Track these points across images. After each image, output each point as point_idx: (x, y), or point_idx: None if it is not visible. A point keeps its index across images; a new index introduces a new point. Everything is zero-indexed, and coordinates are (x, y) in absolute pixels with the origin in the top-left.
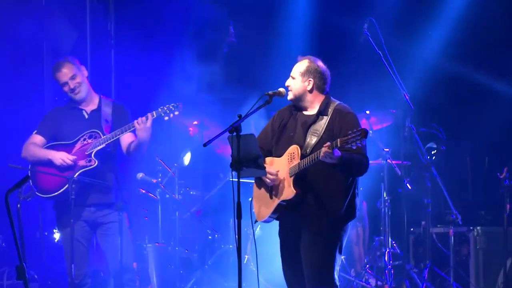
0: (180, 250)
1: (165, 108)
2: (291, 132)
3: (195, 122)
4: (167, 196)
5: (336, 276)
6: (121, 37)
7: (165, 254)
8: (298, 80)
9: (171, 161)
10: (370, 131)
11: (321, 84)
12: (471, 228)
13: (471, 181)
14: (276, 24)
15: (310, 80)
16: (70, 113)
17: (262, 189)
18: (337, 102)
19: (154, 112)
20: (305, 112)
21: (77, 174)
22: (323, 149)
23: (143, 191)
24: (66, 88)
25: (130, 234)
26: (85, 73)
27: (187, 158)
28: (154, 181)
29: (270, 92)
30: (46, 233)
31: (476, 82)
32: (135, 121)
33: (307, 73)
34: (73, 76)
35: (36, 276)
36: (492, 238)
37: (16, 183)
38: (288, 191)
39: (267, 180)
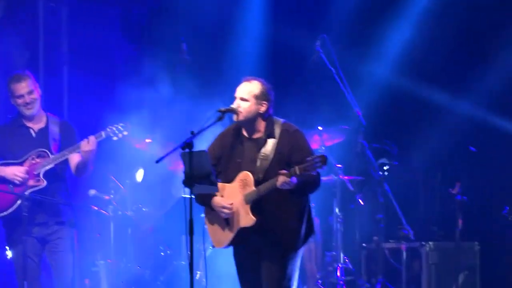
0: (132, 266)
1: (114, 128)
2: (238, 158)
3: (148, 140)
4: (120, 212)
5: None
6: (75, 54)
7: (117, 270)
8: (251, 102)
9: (124, 177)
10: (323, 147)
11: (270, 108)
12: (423, 243)
13: (423, 196)
14: (228, 42)
15: (264, 104)
16: (17, 131)
17: (216, 217)
18: (280, 120)
19: (102, 133)
20: (249, 136)
21: (28, 191)
22: (281, 178)
23: (95, 208)
24: (20, 101)
25: (77, 252)
26: (39, 91)
27: (139, 175)
28: (107, 197)
29: (222, 109)
30: None
31: (428, 98)
32: (81, 142)
33: (261, 96)
34: (30, 91)
35: None
36: (445, 253)
37: None
38: (248, 219)
39: (222, 214)
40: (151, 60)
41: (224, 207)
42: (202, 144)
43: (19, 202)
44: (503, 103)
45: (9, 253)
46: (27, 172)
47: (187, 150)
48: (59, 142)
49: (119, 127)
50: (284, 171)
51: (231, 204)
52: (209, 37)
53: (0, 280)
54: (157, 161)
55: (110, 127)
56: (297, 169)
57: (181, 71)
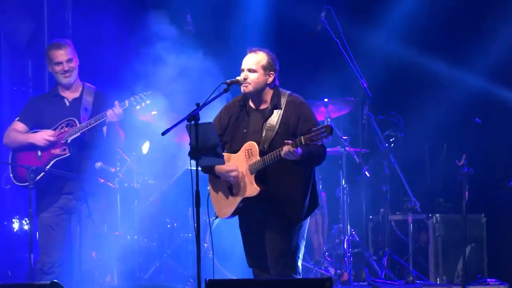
0: (139, 239)
1: (137, 97)
2: (244, 129)
3: (154, 112)
4: (126, 185)
5: (299, 264)
6: (79, 27)
7: (124, 243)
8: (259, 73)
9: (130, 150)
10: (328, 119)
11: (276, 78)
12: (430, 215)
13: (429, 168)
14: (233, 13)
15: (271, 74)
16: (52, 100)
17: (220, 186)
18: (287, 92)
19: (126, 101)
20: (256, 107)
21: (51, 164)
22: (286, 148)
23: (102, 180)
24: (58, 68)
25: (91, 223)
26: (78, 60)
27: (145, 147)
28: (113, 170)
29: (228, 81)
30: (5, 223)
31: (433, 69)
32: (106, 111)
33: (268, 66)
34: (69, 59)
35: None
36: (451, 225)
37: None
38: (252, 189)
39: (230, 178)
40: (155, 32)
41: (229, 171)
42: (208, 116)
43: (42, 173)
44: (508, 75)
45: (15, 225)
46: (55, 136)
47: (193, 122)
48: (91, 112)
49: (143, 96)
50: (289, 141)
51: (235, 167)
52: (213, 8)
53: (8, 251)
54: (163, 133)
55: (135, 96)
56: (302, 139)
57: (186, 43)
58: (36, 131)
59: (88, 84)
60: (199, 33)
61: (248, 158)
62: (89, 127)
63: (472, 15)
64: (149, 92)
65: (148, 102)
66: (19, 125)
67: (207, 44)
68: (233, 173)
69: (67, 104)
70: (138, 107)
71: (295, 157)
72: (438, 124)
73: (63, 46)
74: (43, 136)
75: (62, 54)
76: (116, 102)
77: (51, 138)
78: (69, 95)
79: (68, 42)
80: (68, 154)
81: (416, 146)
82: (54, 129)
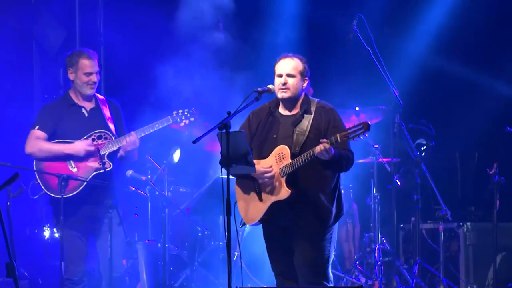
0: (170, 247)
1: (180, 113)
2: (273, 134)
3: (192, 118)
4: (157, 193)
5: (330, 271)
6: (111, 35)
7: (155, 251)
8: (297, 78)
9: (161, 158)
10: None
11: (308, 84)
12: (461, 224)
13: (460, 177)
14: (263, 21)
15: (306, 79)
16: (70, 110)
17: (248, 191)
18: (315, 99)
19: (169, 117)
20: (285, 112)
21: (91, 175)
22: (321, 146)
23: (133, 189)
24: (86, 78)
25: (122, 231)
26: None
27: (176, 155)
28: (144, 178)
29: (259, 89)
30: (36, 231)
31: (465, 78)
32: (125, 138)
33: (304, 72)
34: (97, 71)
35: (26, 274)
36: (482, 234)
37: (6, 181)
38: (283, 191)
39: (266, 179)
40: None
41: (264, 172)
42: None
43: (83, 185)
44: None
45: (46, 233)
46: (94, 147)
47: (224, 130)
48: (114, 123)
49: (186, 113)
50: (324, 140)
51: (270, 166)
52: (245, 18)
53: (39, 259)
54: (194, 142)
55: (176, 112)
56: (338, 136)
57: (218, 51)
58: (70, 141)
59: (97, 94)
60: (230, 41)
61: (279, 162)
62: (126, 142)
63: (503, 23)
64: (192, 110)
65: (192, 119)
66: (40, 134)
67: (237, 52)
68: (269, 174)
69: (86, 114)
70: (181, 124)
71: (328, 155)
72: (469, 133)
73: (95, 57)
74: (84, 147)
75: (94, 65)
76: (133, 133)
77: (92, 149)
78: (87, 105)
79: (96, 54)
80: (110, 168)
81: (447, 154)
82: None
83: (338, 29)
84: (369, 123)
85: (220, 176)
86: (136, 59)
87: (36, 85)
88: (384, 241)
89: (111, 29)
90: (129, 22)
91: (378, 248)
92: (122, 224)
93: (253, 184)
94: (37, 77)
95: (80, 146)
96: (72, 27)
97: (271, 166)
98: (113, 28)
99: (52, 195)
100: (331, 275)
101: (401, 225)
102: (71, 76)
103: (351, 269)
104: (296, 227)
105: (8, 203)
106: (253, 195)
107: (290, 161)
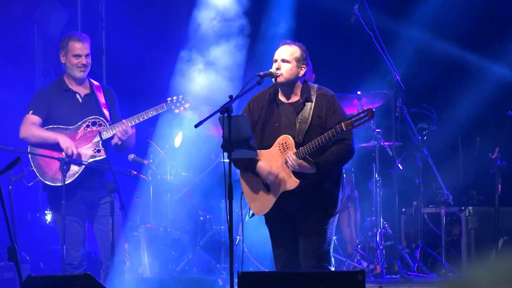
0: (171, 231)
1: (174, 100)
2: (275, 123)
3: (187, 105)
4: (159, 177)
5: (332, 255)
6: (112, 19)
7: (156, 235)
8: (293, 64)
9: (162, 142)
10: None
11: (307, 72)
12: (463, 208)
13: (462, 161)
14: (263, 4)
15: (303, 67)
16: (63, 95)
17: (255, 183)
18: (315, 85)
19: (164, 105)
20: (285, 100)
21: (89, 161)
22: (327, 134)
23: (135, 173)
24: (76, 61)
25: (122, 215)
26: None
27: (178, 139)
28: (146, 162)
29: (261, 73)
30: (37, 215)
31: (467, 62)
32: (119, 127)
33: (301, 59)
34: (88, 54)
35: (27, 258)
36: (484, 218)
37: (7, 165)
38: (291, 182)
39: (268, 180)
40: (185, 23)
41: (270, 173)
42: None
43: (80, 171)
44: None
45: (48, 217)
46: (80, 141)
47: (225, 114)
48: (108, 110)
49: (180, 99)
50: (331, 129)
51: (276, 172)
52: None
53: (41, 243)
54: (196, 126)
55: (171, 99)
56: (343, 125)
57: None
58: (57, 128)
59: (91, 79)
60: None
61: (283, 152)
62: (118, 128)
63: (506, 6)
64: (184, 96)
65: (187, 105)
66: (35, 118)
67: (238, 37)
68: (272, 177)
69: (80, 100)
70: (177, 111)
71: (299, 168)
72: (471, 117)
73: (85, 40)
74: (71, 145)
75: (83, 48)
76: (124, 121)
77: (75, 152)
78: (81, 91)
79: (88, 37)
80: (104, 156)
81: (449, 139)
82: (78, 127)
83: (339, 13)
84: (373, 110)
85: (222, 160)
86: (138, 43)
87: (38, 68)
88: (386, 225)
89: (113, 13)
90: (131, 6)
91: (380, 232)
92: (124, 208)
93: (259, 176)
94: (39, 60)
95: (67, 144)
96: (74, 11)
97: (275, 172)
98: (115, 12)
99: (47, 182)
100: (332, 258)
101: (403, 209)
102: (62, 59)
103: (353, 253)
104: (303, 215)
105: (10, 187)
106: (260, 186)
107: (295, 151)
